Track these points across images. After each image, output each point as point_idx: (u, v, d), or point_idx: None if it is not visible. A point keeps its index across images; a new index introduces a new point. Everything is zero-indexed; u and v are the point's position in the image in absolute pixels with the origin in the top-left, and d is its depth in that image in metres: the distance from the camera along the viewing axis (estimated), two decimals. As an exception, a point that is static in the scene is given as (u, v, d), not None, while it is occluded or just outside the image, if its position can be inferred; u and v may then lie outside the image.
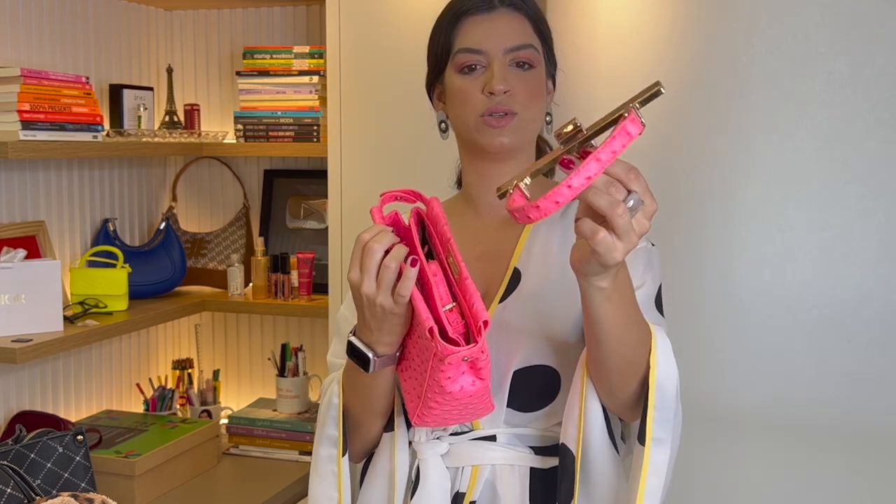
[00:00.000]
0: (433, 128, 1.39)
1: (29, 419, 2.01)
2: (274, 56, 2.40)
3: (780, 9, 1.71)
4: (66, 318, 2.05)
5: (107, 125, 2.36)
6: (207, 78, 2.62)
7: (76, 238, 2.32)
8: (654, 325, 1.20)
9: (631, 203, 0.97)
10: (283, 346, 2.46)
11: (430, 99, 1.40)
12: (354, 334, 1.20)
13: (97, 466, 1.81)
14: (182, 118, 2.53)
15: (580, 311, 1.17)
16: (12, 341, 1.89)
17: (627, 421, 1.27)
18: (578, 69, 1.79)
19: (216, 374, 2.58)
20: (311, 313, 2.36)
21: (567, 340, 1.25)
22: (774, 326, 1.75)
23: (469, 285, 1.09)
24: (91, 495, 1.44)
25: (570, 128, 0.99)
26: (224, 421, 2.46)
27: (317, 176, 2.47)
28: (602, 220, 0.97)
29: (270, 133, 2.40)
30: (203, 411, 2.45)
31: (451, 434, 1.29)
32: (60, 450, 1.68)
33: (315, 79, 2.36)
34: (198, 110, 2.55)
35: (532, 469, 1.28)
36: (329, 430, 1.31)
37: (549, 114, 1.36)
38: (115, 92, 2.38)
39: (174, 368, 2.57)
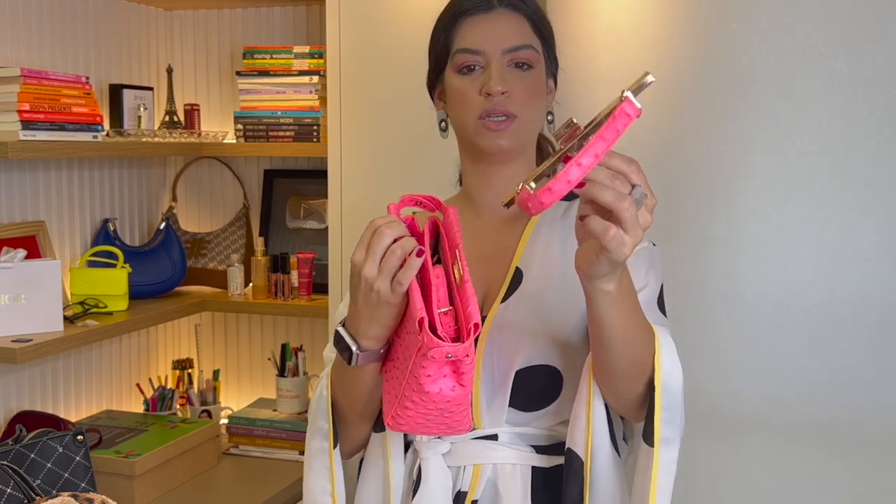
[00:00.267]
0: (433, 127, 1.39)
1: (29, 419, 2.01)
2: (274, 56, 2.40)
3: (780, 9, 1.71)
4: (66, 318, 2.05)
5: (107, 125, 2.36)
6: (207, 78, 2.62)
7: (76, 238, 2.32)
8: (657, 326, 1.20)
9: (636, 196, 0.98)
10: (283, 346, 2.46)
11: (432, 98, 1.40)
12: (343, 325, 1.20)
13: (97, 466, 1.81)
14: (182, 118, 2.53)
15: (582, 310, 1.17)
16: (12, 341, 1.89)
17: (633, 422, 1.27)
18: (578, 69, 1.79)
19: (216, 374, 2.58)
20: (311, 313, 2.36)
21: (569, 340, 1.25)
22: (774, 326, 1.75)
23: (468, 289, 1.09)
24: (91, 495, 1.44)
25: (567, 127, 1.00)
26: (224, 421, 2.46)
27: (317, 176, 2.47)
28: (608, 216, 0.97)
29: (270, 133, 2.40)
30: (203, 411, 2.45)
31: None
32: (60, 450, 1.68)
33: (315, 79, 2.36)
34: (198, 110, 2.55)
35: (534, 468, 1.27)
36: (320, 422, 1.31)
37: (550, 113, 1.36)
38: (115, 92, 2.38)
39: (174, 368, 2.57)
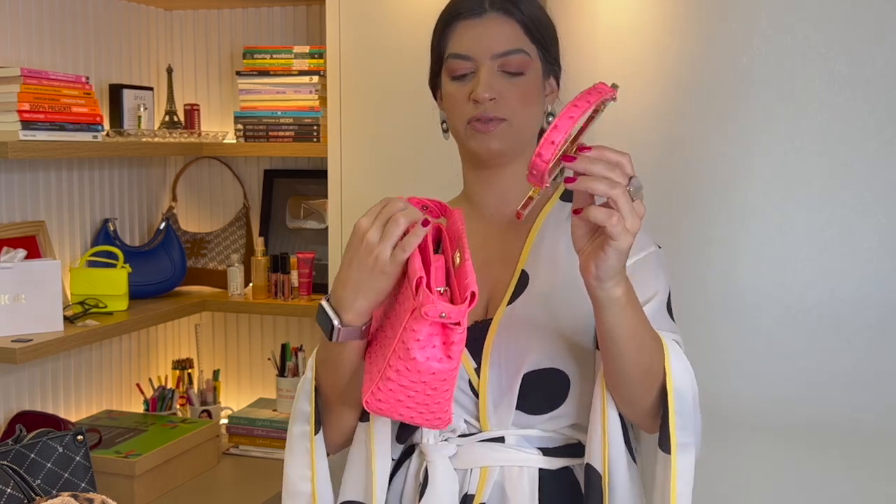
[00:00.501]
0: (433, 127, 1.39)
1: (29, 419, 2.01)
2: (274, 56, 2.40)
3: (780, 9, 1.71)
4: (66, 318, 2.05)
5: (107, 125, 2.36)
6: (207, 78, 2.62)
7: (76, 238, 2.32)
8: (662, 332, 1.20)
9: (635, 185, 1.04)
10: (283, 346, 2.46)
11: (435, 97, 1.39)
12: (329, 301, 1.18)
13: (97, 466, 1.81)
14: (182, 118, 2.53)
15: (589, 313, 1.17)
16: (12, 341, 1.89)
17: (648, 433, 1.26)
18: (578, 69, 1.79)
19: (216, 374, 2.58)
20: (311, 313, 2.36)
21: (577, 343, 1.25)
22: (774, 326, 1.75)
23: (468, 266, 1.08)
24: (91, 495, 1.44)
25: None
26: (224, 421, 2.46)
27: (317, 176, 2.47)
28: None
29: (270, 133, 2.40)
30: (203, 411, 2.45)
31: (460, 436, 1.29)
32: (60, 450, 1.68)
33: (315, 79, 2.36)
34: (198, 110, 2.55)
35: (541, 470, 1.27)
36: (302, 404, 1.30)
37: (551, 114, 1.34)
38: (115, 92, 2.38)
39: (174, 368, 2.57)
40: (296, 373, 2.43)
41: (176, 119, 2.49)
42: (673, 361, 1.18)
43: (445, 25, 1.31)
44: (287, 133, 2.39)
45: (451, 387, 1.11)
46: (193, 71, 2.63)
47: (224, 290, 2.49)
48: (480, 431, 1.28)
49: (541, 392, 1.25)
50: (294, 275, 2.40)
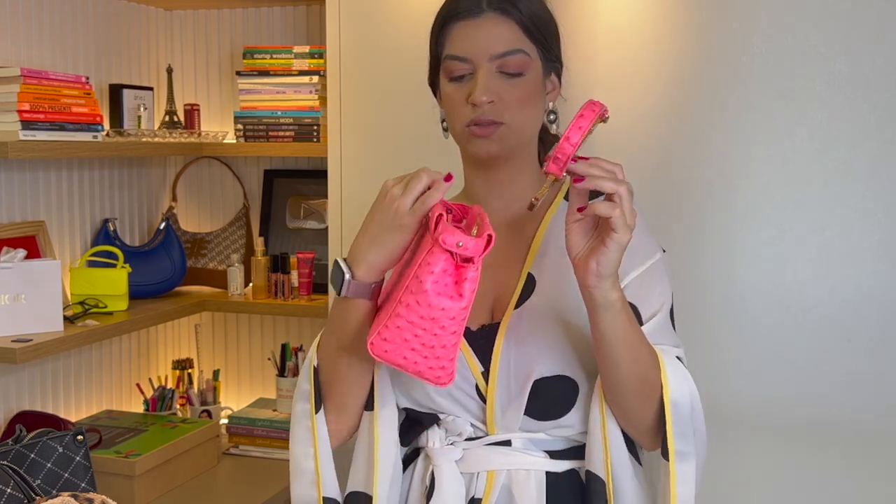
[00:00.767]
0: (433, 127, 1.38)
1: (29, 419, 2.01)
2: (274, 56, 2.40)
3: (780, 8, 1.71)
4: (66, 318, 2.05)
5: (107, 125, 2.36)
6: (207, 78, 2.62)
7: (76, 238, 2.32)
8: (665, 347, 1.22)
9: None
10: (283, 346, 2.46)
11: (435, 95, 1.38)
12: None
13: (97, 466, 1.81)
14: (182, 118, 2.53)
15: None
16: (12, 341, 1.89)
17: (649, 450, 1.27)
18: (578, 69, 1.79)
19: (216, 374, 2.58)
20: (311, 313, 2.36)
21: (585, 348, 1.24)
22: (774, 326, 1.75)
23: (487, 226, 1.10)
24: (91, 495, 1.44)
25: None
26: (224, 421, 2.46)
27: (317, 176, 2.47)
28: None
29: (270, 133, 2.40)
30: (203, 411, 2.45)
31: (466, 440, 1.29)
32: (60, 450, 1.68)
33: (315, 79, 2.36)
34: (198, 110, 2.55)
35: (548, 473, 1.27)
36: (304, 384, 1.32)
37: (553, 112, 1.32)
38: (115, 92, 2.38)
39: (174, 368, 2.57)
40: (296, 373, 2.43)
41: (176, 119, 2.49)
42: (669, 372, 1.19)
43: (442, 26, 1.30)
44: (287, 133, 2.39)
45: (459, 330, 1.11)
46: (193, 71, 2.63)
47: (224, 290, 2.48)
48: (487, 435, 1.28)
49: (550, 399, 1.25)
50: (294, 275, 2.40)
